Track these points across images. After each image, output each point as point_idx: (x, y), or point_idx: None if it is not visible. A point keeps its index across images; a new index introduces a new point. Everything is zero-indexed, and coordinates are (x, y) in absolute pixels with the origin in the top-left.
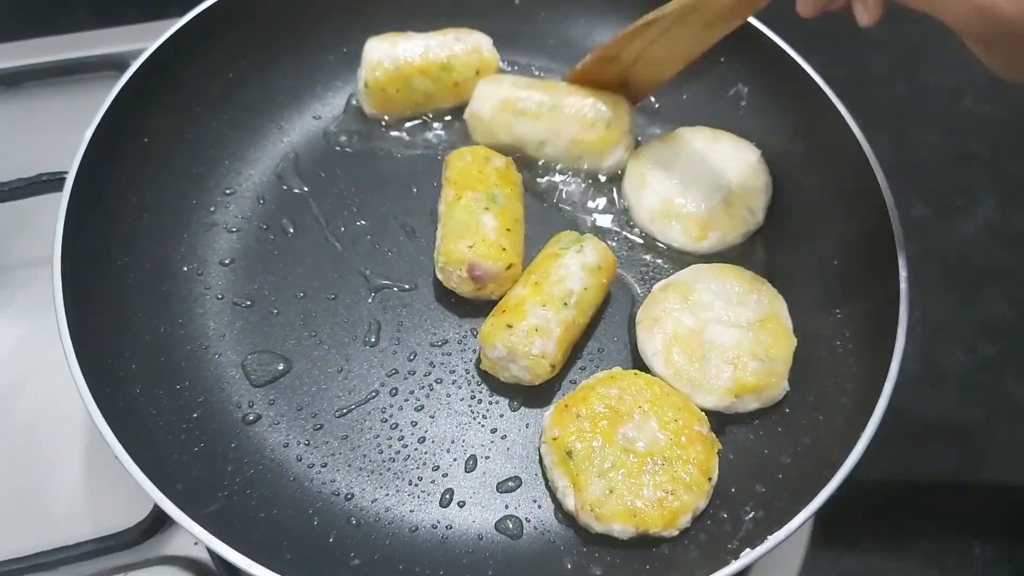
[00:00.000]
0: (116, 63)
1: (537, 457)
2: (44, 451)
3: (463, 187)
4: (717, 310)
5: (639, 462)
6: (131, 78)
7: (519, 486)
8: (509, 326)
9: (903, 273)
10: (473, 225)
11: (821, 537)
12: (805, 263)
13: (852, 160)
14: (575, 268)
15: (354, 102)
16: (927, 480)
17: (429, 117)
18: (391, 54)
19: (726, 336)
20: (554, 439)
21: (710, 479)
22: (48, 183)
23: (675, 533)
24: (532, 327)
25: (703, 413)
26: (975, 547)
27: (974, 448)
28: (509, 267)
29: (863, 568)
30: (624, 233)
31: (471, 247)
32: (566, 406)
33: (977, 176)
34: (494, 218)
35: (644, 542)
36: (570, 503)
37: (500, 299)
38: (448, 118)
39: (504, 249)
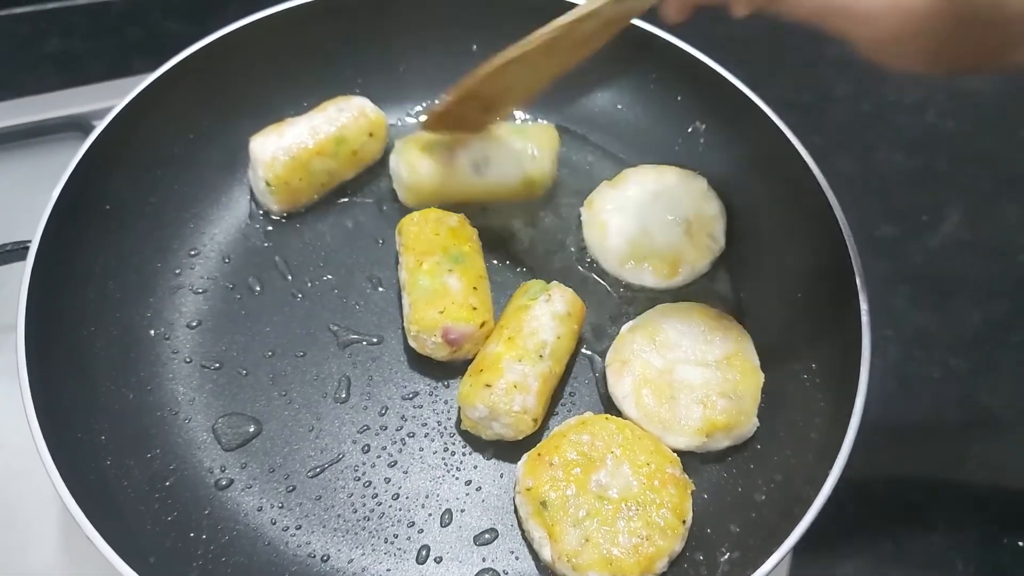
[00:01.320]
0: (78, 124)
1: (512, 507)
2: (13, 524)
3: (422, 252)
4: (684, 349)
5: (614, 509)
6: (93, 144)
7: (496, 538)
8: (488, 385)
9: (863, 306)
10: (440, 289)
11: (800, 555)
12: (769, 296)
13: (808, 190)
14: (546, 319)
15: (254, 207)
16: (906, 495)
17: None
18: (282, 145)
19: (694, 375)
20: (528, 489)
21: (684, 522)
22: (11, 252)
23: None
24: (511, 384)
25: (675, 455)
26: (958, 564)
27: (951, 462)
28: (482, 325)
29: None
30: (583, 271)
31: (442, 312)
32: (539, 455)
33: (941, 191)
34: (459, 279)
35: None
36: (546, 554)
37: (474, 357)
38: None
39: (475, 308)
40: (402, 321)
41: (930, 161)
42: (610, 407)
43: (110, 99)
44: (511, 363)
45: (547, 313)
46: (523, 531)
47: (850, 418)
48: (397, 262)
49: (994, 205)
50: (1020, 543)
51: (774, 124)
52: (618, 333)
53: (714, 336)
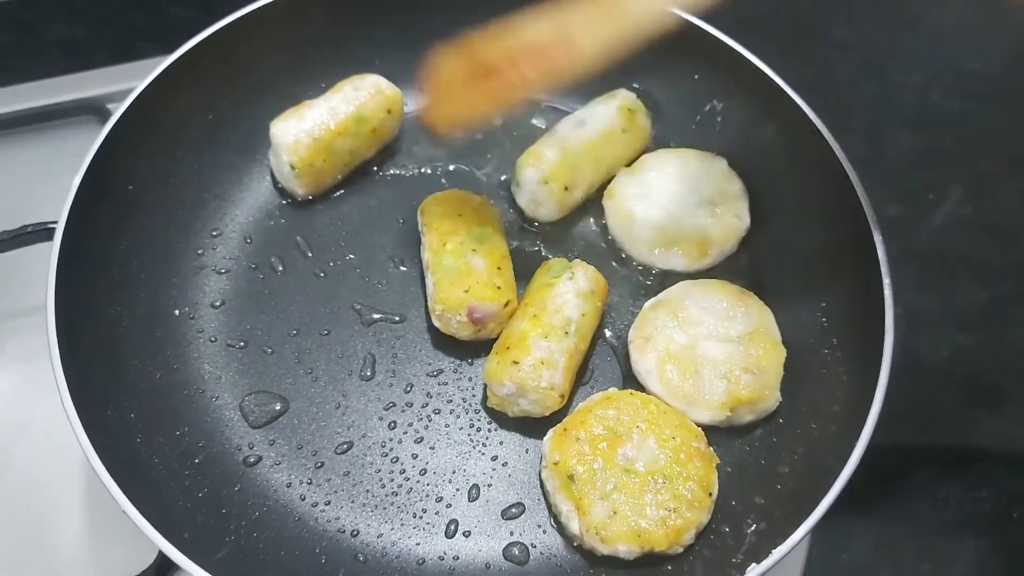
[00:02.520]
0: (93, 107)
1: (538, 482)
2: (44, 502)
3: (445, 233)
4: (707, 325)
5: (641, 482)
6: (114, 126)
7: (523, 512)
8: (515, 362)
9: (886, 280)
10: (464, 269)
11: (814, 531)
12: (789, 273)
13: (828, 167)
14: (570, 296)
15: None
16: (915, 474)
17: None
18: (303, 128)
19: (717, 351)
20: (555, 464)
21: (711, 494)
22: (34, 234)
23: (680, 550)
24: (538, 360)
25: (699, 429)
26: (969, 539)
27: (961, 440)
28: (506, 304)
29: (856, 564)
30: (603, 246)
31: (467, 291)
32: (565, 430)
33: (947, 171)
34: (482, 258)
35: (649, 561)
36: (575, 527)
37: (498, 336)
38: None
39: (499, 287)
40: (425, 300)
41: (935, 141)
42: (630, 385)
43: (121, 83)
44: (538, 340)
45: (571, 290)
46: (550, 505)
47: (875, 390)
48: (419, 242)
49: (999, 185)
50: None
51: (794, 102)
52: (640, 311)
53: (736, 312)
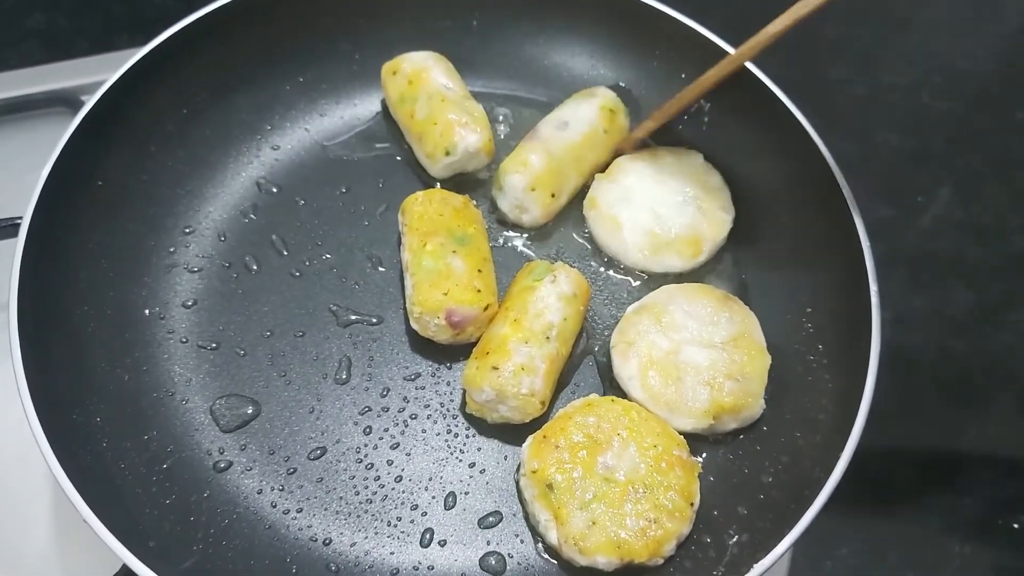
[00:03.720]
0: (66, 99)
1: (516, 490)
2: (7, 509)
3: (426, 233)
4: (691, 331)
5: (620, 491)
6: (84, 119)
7: (500, 521)
8: (495, 368)
9: (873, 288)
10: (444, 271)
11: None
12: (774, 278)
13: (815, 169)
14: (552, 300)
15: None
16: (903, 478)
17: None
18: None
19: (701, 357)
20: (533, 472)
21: (692, 504)
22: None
23: (660, 562)
24: (518, 366)
25: (681, 437)
26: (954, 545)
27: (947, 443)
28: (486, 308)
29: (840, 570)
30: (588, 248)
31: (446, 294)
32: (544, 437)
33: (936, 172)
34: (463, 260)
35: (629, 573)
36: (553, 537)
37: (477, 340)
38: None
39: (479, 291)
40: (403, 302)
41: (925, 142)
42: (612, 391)
43: (96, 74)
44: (518, 345)
45: (553, 294)
46: (527, 514)
47: (860, 400)
48: (399, 242)
49: (988, 187)
50: (1015, 525)
51: (781, 103)
52: (623, 315)
53: (720, 317)
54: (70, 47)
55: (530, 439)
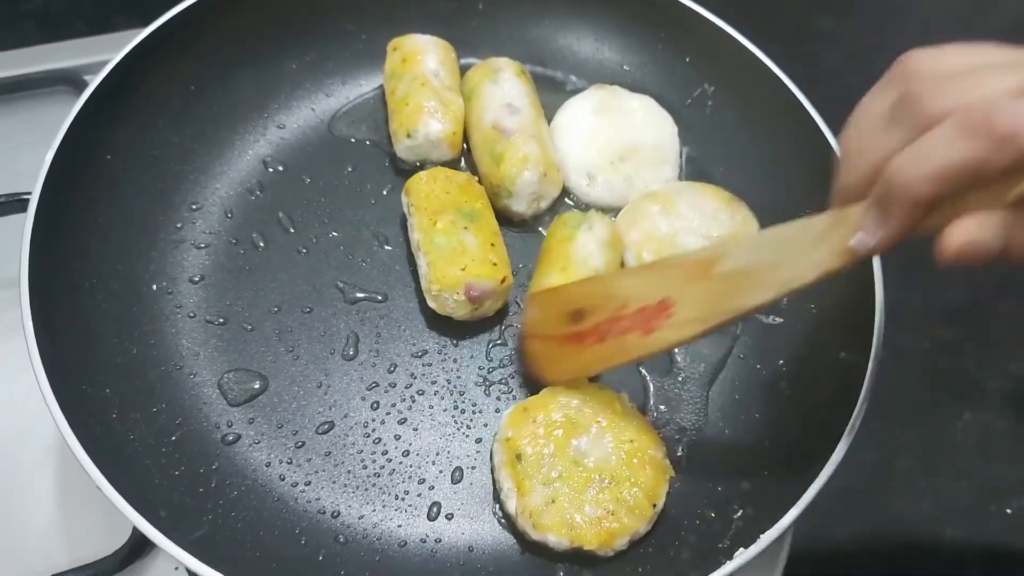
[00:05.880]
0: (69, 78)
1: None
2: (16, 479)
3: (435, 211)
4: (691, 221)
5: (586, 477)
6: (92, 94)
7: None
8: None
9: (878, 273)
10: (458, 247)
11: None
12: None
13: (820, 153)
14: (593, 246)
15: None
16: (896, 463)
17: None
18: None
19: (695, 244)
20: (507, 439)
21: (655, 506)
22: (8, 204)
23: (610, 554)
24: None
25: (661, 440)
26: (947, 530)
27: (942, 431)
28: (503, 280)
29: (837, 555)
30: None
31: (463, 269)
32: (525, 409)
33: None
34: (475, 236)
35: (579, 557)
36: (511, 506)
37: (495, 314)
38: None
39: (495, 264)
40: (411, 280)
41: None
42: None
43: (98, 54)
44: None
45: (593, 240)
46: (494, 479)
47: (864, 376)
48: (404, 222)
49: None
50: (1008, 510)
51: (787, 88)
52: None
53: (723, 215)
54: (67, 28)
55: (512, 408)
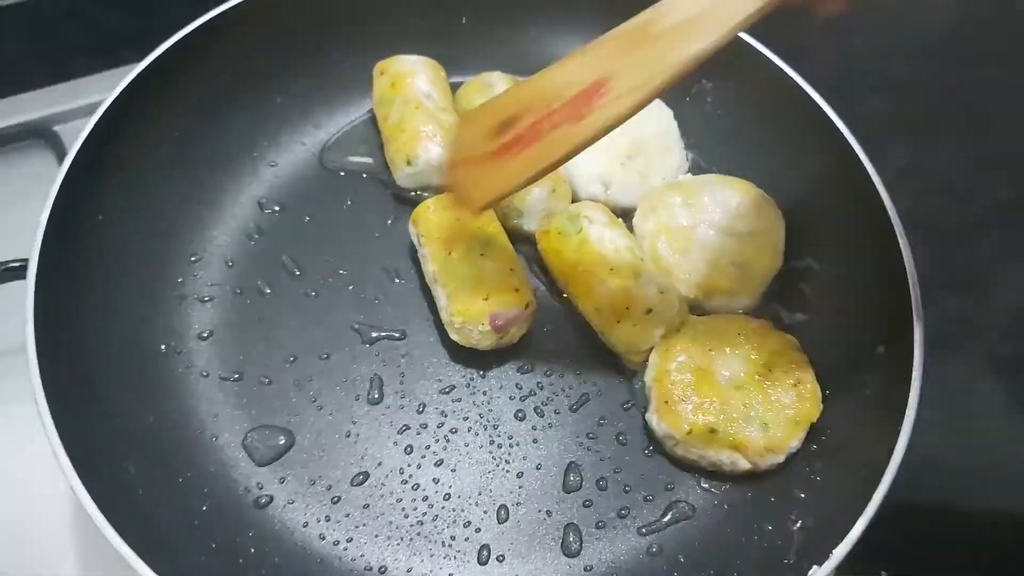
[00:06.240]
0: (37, 131)
1: (571, 487)
2: (39, 562)
3: (448, 241)
4: (713, 214)
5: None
6: (77, 153)
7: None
8: (649, 311)
9: (901, 239)
10: (477, 275)
11: None
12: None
13: (829, 140)
14: (608, 234)
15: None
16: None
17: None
18: None
19: (715, 239)
20: (688, 434)
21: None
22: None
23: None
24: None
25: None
26: None
27: (955, 403)
28: (527, 306)
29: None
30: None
31: (486, 299)
32: (665, 402)
33: (918, 136)
34: (493, 262)
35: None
36: (743, 464)
37: (519, 340)
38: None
39: (517, 289)
40: (430, 313)
41: (904, 107)
42: None
43: (64, 103)
44: (640, 287)
45: (603, 231)
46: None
47: (911, 372)
48: (414, 252)
49: (967, 145)
50: None
51: (783, 71)
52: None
53: (748, 212)
54: (27, 77)
55: (656, 414)
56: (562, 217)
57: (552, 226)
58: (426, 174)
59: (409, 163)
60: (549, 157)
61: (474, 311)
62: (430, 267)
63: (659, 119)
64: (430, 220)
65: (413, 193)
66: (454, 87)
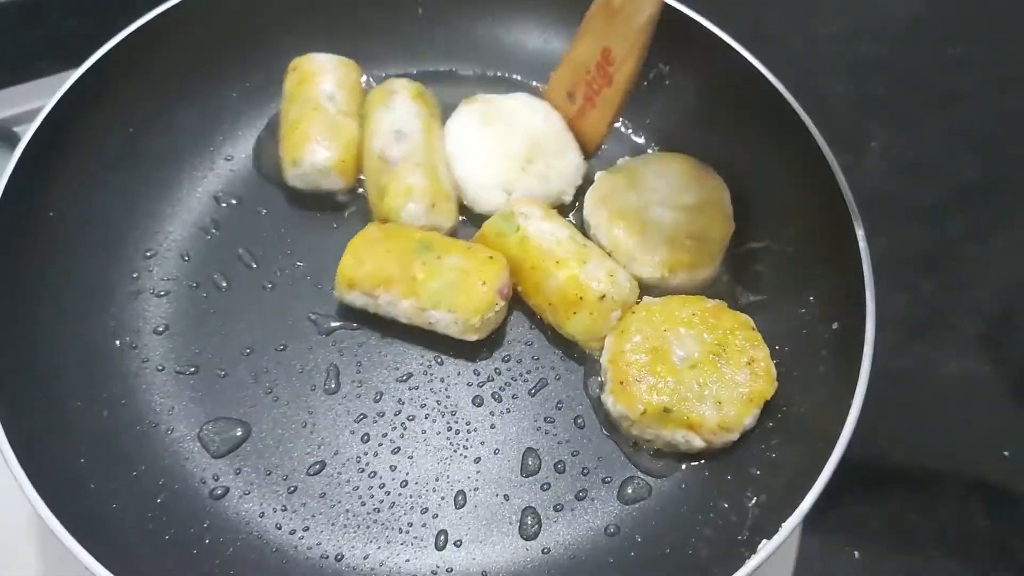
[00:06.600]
0: None
1: (529, 472)
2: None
3: (400, 271)
4: (660, 192)
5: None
6: (24, 150)
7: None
8: (602, 297)
9: (861, 237)
10: (456, 274)
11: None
12: (763, 248)
13: (786, 123)
14: (548, 227)
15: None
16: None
17: None
18: None
19: (667, 216)
20: (643, 414)
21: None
22: None
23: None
24: (608, 279)
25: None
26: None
27: (922, 379)
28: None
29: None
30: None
31: (484, 284)
32: (620, 383)
33: (881, 116)
34: (451, 252)
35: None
36: (698, 443)
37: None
38: None
39: (490, 257)
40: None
41: (866, 88)
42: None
43: (25, 104)
44: (588, 272)
45: (541, 225)
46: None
47: (863, 349)
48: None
49: (934, 125)
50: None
51: (740, 54)
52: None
53: (692, 184)
54: None
55: (612, 394)
56: (496, 218)
57: (488, 229)
58: (313, 176)
59: (295, 164)
60: (612, 108)
61: (484, 300)
62: (404, 304)
63: (546, 117)
64: (366, 272)
65: (312, 191)
66: (415, 77)
